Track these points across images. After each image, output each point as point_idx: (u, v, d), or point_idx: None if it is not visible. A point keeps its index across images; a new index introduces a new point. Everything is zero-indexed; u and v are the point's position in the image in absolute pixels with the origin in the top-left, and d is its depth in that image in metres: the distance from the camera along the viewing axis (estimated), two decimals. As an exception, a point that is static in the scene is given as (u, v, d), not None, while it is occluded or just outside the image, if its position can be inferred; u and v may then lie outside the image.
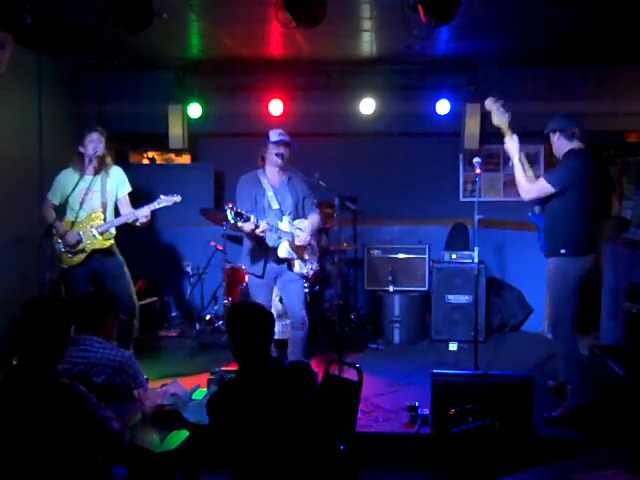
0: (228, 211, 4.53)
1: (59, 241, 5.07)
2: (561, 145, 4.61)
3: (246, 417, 2.64)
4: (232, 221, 4.57)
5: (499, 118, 4.61)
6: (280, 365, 2.85)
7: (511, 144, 4.60)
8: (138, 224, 5.14)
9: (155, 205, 5.13)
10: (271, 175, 4.99)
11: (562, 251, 4.50)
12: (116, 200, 5.29)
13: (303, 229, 4.98)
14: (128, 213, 5.17)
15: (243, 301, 3.07)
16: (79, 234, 5.06)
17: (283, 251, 4.90)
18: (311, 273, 5.09)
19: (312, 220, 5.04)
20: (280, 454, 2.65)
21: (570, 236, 4.50)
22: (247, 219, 4.60)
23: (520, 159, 4.59)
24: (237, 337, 2.81)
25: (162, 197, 5.15)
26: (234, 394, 2.74)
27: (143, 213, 5.09)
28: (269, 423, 2.65)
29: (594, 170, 4.54)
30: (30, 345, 2.55)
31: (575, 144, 4.55)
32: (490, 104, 4.65)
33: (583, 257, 4.51)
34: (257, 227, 4.64)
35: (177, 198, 5.17)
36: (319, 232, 5.25)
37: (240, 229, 4.79)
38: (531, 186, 4.54)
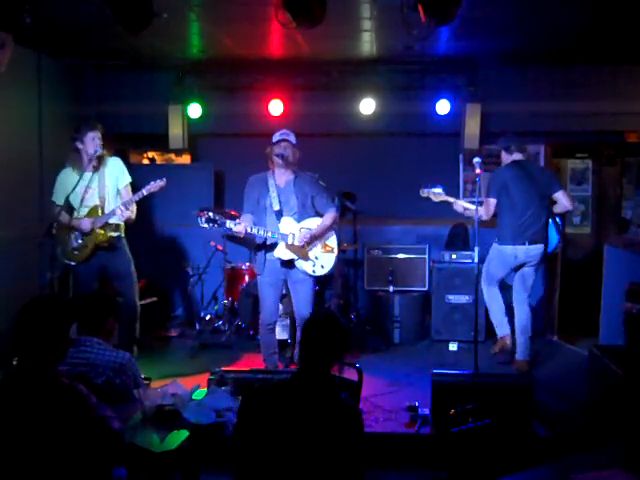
0: (199, 219, 4.67)
1: (76, 233, 5.10)
2: (505, 159, 5.65)
3: (269, 427, 2.50)
4: (206, 227, 4.69)
5: (437, 197, 5.66)
6: (331, 395, 2.60)
7: (455, 207, 5.71)
8: (122, 219, 5.14)
9: (143, 192, 5.11)
10: (278, 176, 4.98)
11: (495, 238, 5.60)
12: (118, 191, 5.28)
13: (311, 228, 4.96)
14: (119, 204, 5.15)
15: (331, 312, 2.89)
16: (90, 220, 5.07)
17: (280, 252, 4.90)
18: (321, 272, 5.01)
19: (325, 218, 5.00)
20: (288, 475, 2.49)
21: (500, 228, 5.57)
22: (221, 224, 4.65)
23: (463, 207, 5.66)
24: (304, 343, 2.66)
25: (148, 185, 5.13)
26: (268, 399, 2.59)
27: (126, 206, 5.09)
28: (288, 443, 2.47)
29: (524, 176, 5.49)
30: (28, 346, 2.55)
31: (515, 156, 5.58)
32: (424, 193, 5.66)
33: (510, 246, 5.49)
34: (233, 229, 4.71)
35: (162, 182, 5.15)
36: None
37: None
38: (482, 208, 5.42)
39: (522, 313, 5.62)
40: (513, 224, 5.47)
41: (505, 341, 5.72)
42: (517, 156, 5.58)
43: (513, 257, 5.51)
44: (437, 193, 5.63)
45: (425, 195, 5.65)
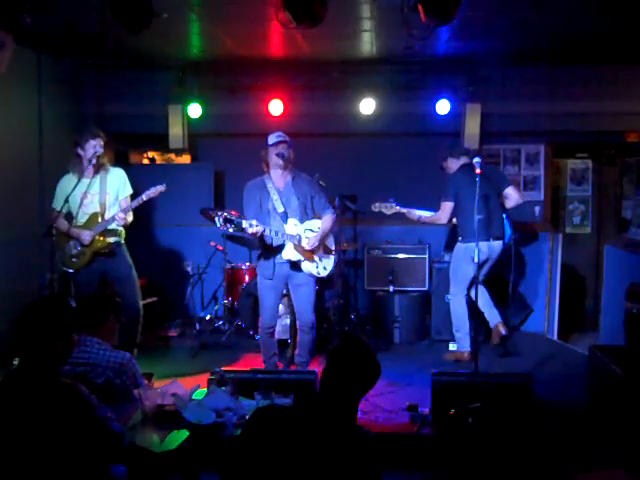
0: (217, 219, 4.63)
1: (75, 241, 5.10)
2: (452, 165, 5.88)
3: (273, 454, 2.30)
4: (222, 227, 4.66)
5: (388, 210, 5.87)
6: (346, 427, 2.35)
7: (409, 216, 5.95)
8: (120, 224, 5.13)
9: (143, 198, 5.12)
10: (276, 178, 4.97)
11: (459, 238, 5.83)
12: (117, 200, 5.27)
13: (314, 230, 4.96)
14: (118, 211, 5.14)
15: (363, 341, 2.48)
16: (90, 233, 5.08)
17: (288, 253, 4.88)
18: (324, 274, 5.02)
19: (325, 221, 5.00)
20: None
21: (462, 228, 5.78)
22: (238, 224, 4.62)
23: (418, 215, 5.91)
24: (328, 370, 2.40)
25: (148, 191, 5.14)
26: (277, 423, 2.35)
27: (126, 212, 5.09)
28: (292, 472, 2.28)
29: (475, 177, 5.42)
30: (29, 346, 2.54)
31: (462, 160, 5.85)
32: (377, 208, 5.87)
33: (473, 243, 5.44)
34: (249, 230, 4.65)
35: (162, 188, 5.15)
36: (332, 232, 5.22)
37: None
38: (439, 214, 5.80)
39: (457, 308, 5.83)
40: (476, 221, 5.53)
41: (463, 355, 5.79)
42: (464, 160, 5.84)
43: (481, 255, 5.56)
44: (388, 206, 5.84)
45: (377, 210, 5.85)
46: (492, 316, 5.95)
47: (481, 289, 5.81)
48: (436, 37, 5.81)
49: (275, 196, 4.91)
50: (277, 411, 2.52)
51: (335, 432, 2.31)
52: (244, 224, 4.64)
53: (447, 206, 5.75)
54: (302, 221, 4.95)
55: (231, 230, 4.68)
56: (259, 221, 4.84)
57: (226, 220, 4.61)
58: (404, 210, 5.90)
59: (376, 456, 2.30)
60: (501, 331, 5.92)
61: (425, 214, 5.90)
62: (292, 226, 4.90)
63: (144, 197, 5.12)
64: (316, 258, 4.97)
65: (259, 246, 5.05)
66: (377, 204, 5.86)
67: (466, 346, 5.76)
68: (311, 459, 2.26)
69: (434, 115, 7.13)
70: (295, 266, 4.95)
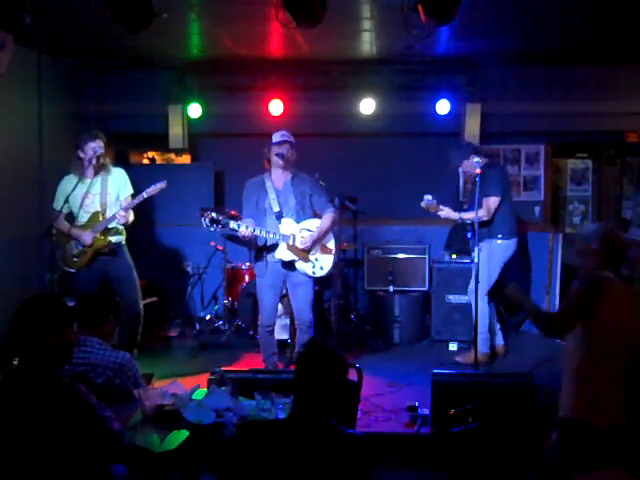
0: (202, 219, 4.68)
1: (76, 240, 5.10)
2: (476, 163, 5.46)
3: (266, 467, 2.34)
4: (208, 228, 4.71)
5: (434, 207, 5.62)
6: (330, 430, 2.38)
7: (445, 215, 5.71)
8: (121, 222, 5.13)
9: (143, 195, 5.12)
10: (276, 177, 4.98)
11: (499, 235, 5.65)
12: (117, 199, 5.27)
13: (311, 229, 4.97)
14: (118, 210, 5.14)
15: (323, 342, 2.55)
16: (91, 235, 5.08)
17: (281, 253, 4.90)
18: (320, 274, 5.01)
19: (324, 220, 5.00)
20: None
21: (501, 225, 5.67)
22: (225, 224, 4.65)
23: (459, 215, 5.71)
24: (296, 380, 2.44)
25: (148, 189, 5.15)
26: (264, 437, 2.39)
27: (126, 210, 5.10)
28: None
29: (507, 174, 5.96)
30: (18, 344, 2.54)
31: (485, 158, 5.70)
32: (425, 205, 5.60)
33: (514, 239, 5.72)
34: (238, 231, 4.71)
35: (163, 185, 5.15)
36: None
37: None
38: (484, 210, 5.51)
39: (483, 308, 5.77)
40: (514, 219, 5.77)
41: (486, 357, 5.70)
42: (487, 158, 5.89)
43: (513, 250, 5.74)
44: (431, 204, 5.60)
45: (424, 207, 5.61)
46: (497, 339, 6.00)
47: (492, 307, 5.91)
48: (436, 37, 5.81)
49: (272, 195, 4.93)
50: (261, 425, 2.54)
51: (320, 436, 2.34)
52: (232, 225, 4.67)
53: (495, 201, 5.58)
54: (299, 221, 4.95)
55: (217, 230, 4.74)
56: (255, 219, 4.86)
57: (212, 220, 4.65)
58: (445, 209, 5.69)
59: (364, 454, 2.33)
60: (499, 352, 5.94)
61: (468, 215, 5.69)
62: (286, 226, 4.91)
63: (145, 194, 5.12)
64: (312, 258, 4.97)
65: (254, 245, 5.06)
66: (424, 203, 5.61)
67: (487, 348, 5.76)
68: (301, 467, 2.28)
69: (434, 115, 7.13)
70: (291, 265, 4.95)
